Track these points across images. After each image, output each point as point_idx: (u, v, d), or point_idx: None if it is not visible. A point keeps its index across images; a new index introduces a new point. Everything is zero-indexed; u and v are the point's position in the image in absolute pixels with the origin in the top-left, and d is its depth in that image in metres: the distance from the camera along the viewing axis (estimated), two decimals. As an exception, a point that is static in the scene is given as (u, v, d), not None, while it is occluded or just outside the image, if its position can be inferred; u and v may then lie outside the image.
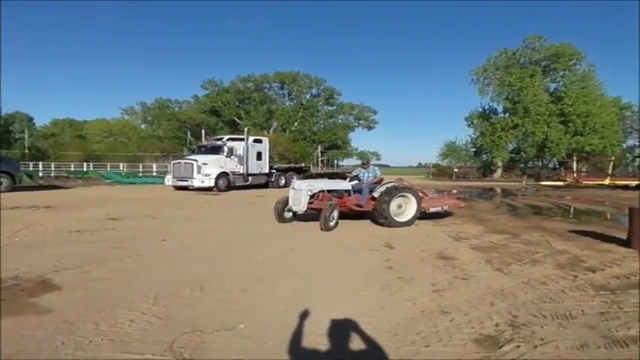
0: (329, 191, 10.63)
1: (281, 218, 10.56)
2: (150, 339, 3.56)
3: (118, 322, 3.93)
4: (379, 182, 11.16)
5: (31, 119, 79.66)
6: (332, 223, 9.60)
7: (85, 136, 69.92)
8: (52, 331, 3.68)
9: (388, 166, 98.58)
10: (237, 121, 65.20)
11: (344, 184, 11.21)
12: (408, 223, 10.50)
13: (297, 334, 3.71)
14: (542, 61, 52.77)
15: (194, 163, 22.29)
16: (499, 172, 54.02)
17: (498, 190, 30.45)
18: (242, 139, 24.90)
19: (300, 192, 10.11)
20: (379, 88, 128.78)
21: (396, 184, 11.20)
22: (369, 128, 76.45)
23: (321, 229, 9.33)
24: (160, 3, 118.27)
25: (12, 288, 4.89)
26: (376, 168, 11.66)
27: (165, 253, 6.98)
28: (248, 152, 24.37)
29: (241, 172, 24.07)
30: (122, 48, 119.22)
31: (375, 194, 10.72)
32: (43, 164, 40.48)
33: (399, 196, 10.65)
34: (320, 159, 61.47)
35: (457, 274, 5.90)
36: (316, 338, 3.66)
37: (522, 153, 54.66)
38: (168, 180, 23.60)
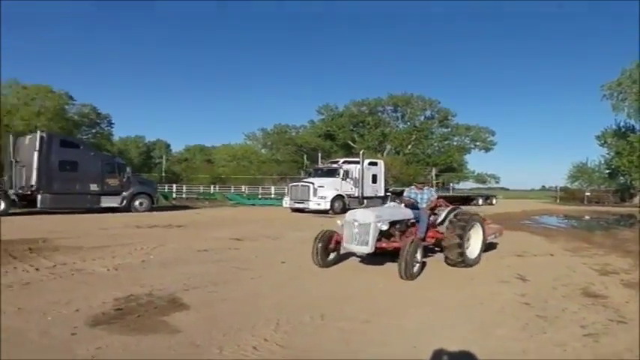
0: (394, 222, 7.82)
1: (323, 261, 7.72)
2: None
3: (241, 347, 3.87)
4: (434, 208, 8.84)
5: (168, 146, 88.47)
6: (416, 269, 6.98)
7: (212, 160, 75.61)
8: (180, 352, 3.73)
9: (507, 189, 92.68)
10: (351, 144, 66.04)
11: (407, 212, 8.38)
12: (477, 260, 8.34)
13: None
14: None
15: (310, 185, 22.76)
16: (640, 196, 47.90)
17: (643, 218, 26.88)
18: (357, 162, 24.93)
19: (367, 226, 7.23)
20: (497, 107, 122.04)
21: (462, 209, 8.91)
22: (487, 150, 72.74)
23: (402, 277, 6.70)
24: (279, 36, 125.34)
25: (147, 305, 5.14)
26: (432, 189, 9.46)
27: (285, 275, 6.98)
28: (363, 175, 24.30)
29: (356, 194, 24.05)
30: (246, 78, 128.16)
31: (439, 226, 8.48)
32: (176, 186, 44.33)
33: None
34: (435, 182, 59.61)
35: (611, 316, 5.06)
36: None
37: (669, 175, 47.95)
38: (286, 202, 24.37)
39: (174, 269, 7.31)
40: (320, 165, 31.82)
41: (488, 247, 9.33)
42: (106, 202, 20.55)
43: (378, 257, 7.99)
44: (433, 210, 8.72)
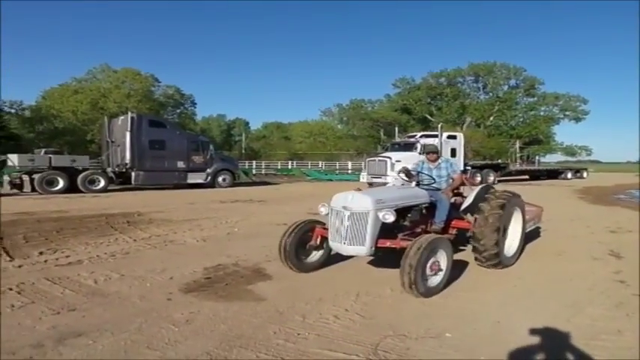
0: (403, 210, 5.43)
1: (296, 263, 5.53)
2: (354, 338, 3.52)
3: (322, 316, 4.01)
4: (457, 187, 6.62)
5: (247, 124, 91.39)
6: (437, 280, 4.73)
7: (289, 137, 77.00)
8: (265, 319, 3.93)
9: (599, 162, 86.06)
10: (429, 117, 64.30)
11: (420, 193, 5.93)
12: (515, 259, 6.21)
13: (515, 355, 3.27)
14: None
15: (387, 160, 22.57)
16: None
17: None
18: (435, 136, 24.32)
19: (364, 217, 4.97)
20: (590, 72, 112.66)
21: (495, 189, 6.52)
22: (578, 120, 67.35)
23: (408, 292, 4.47)
24: (353, 9, 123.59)
25: (233, 274, 5.45)
26: (451, 160, 6.94)
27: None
28: (441, 149, 23.69)
29: (434, 169, 23.51)
30: (321, 54, 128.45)
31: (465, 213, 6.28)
32: (255, 163, 45.88)
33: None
34: (518, 155, 56.72)
35: None
36: (536, 361, 3.19)
37: None
38: (364, 177, 24.37)
39: (256, 241, 7.63)
40: (397, 139, 31.40)
41: (533, 235, 7.77)
42: (192, 178, 21.73)
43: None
44: (455, 190, 6.56)
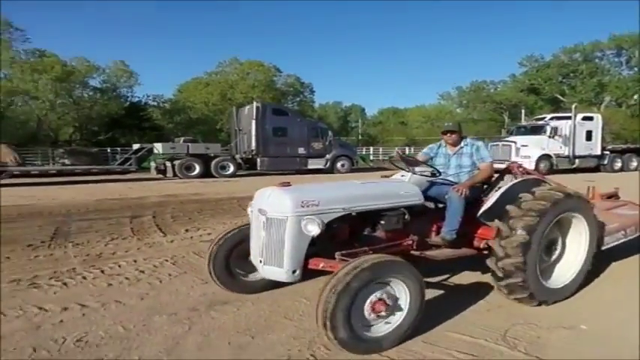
0: (375, 214, 3.88)
1: (227, 280, 4.13)
2: (481, 322, 3.53)
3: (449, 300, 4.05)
4: (489, 179, 4.66)
5: (363, 110, 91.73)
6: (392, 326, 3.11)
7: (406, 122, 76.09)
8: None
9: None
10: (560, 98, 59.02)
11: (406, 191, 4.07)
12: (568, 291, 4.11)
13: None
14: None
15: (512, 145, 21.35)
16: None
17: None
18: (568, 117, 22.42)
19: (281, 225, 3.41)
20: None
21: (547, 184, 4.45)
22: None
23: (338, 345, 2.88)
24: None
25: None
26: (479, 143, 4.80)
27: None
28: (575, 131, 21.79)
29: (566, 154, 21.76)
30: (438, 35, 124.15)
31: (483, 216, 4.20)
32: (372, 148, 46.22)
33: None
34: (669, 137, 49.88)
35: None
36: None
37: None
38: (485, 162, 23.36)
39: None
40: (523, 122, 29.51)
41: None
42: (312, 164, 22.60)
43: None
44: (484, 184, 4.65)
